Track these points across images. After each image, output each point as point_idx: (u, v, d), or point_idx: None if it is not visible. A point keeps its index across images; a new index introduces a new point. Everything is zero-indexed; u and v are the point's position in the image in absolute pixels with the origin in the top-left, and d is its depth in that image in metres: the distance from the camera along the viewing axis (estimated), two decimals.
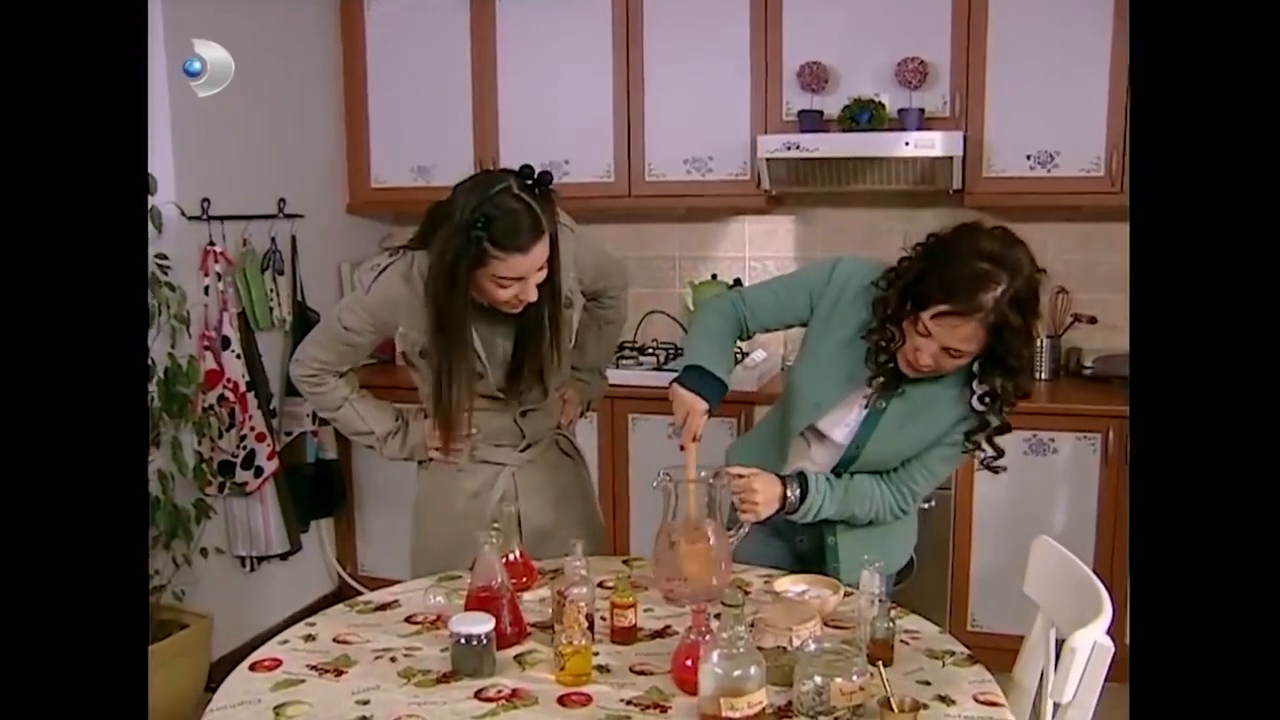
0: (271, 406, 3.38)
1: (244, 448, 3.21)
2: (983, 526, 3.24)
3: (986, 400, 1.87)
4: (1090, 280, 3.57)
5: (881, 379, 1.90)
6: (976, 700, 1.55)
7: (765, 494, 1.93)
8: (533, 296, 1.96)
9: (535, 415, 2.20)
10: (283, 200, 3.52)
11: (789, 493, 1.94)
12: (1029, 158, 3.29)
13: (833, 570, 2.03)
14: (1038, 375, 3.48)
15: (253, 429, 3.23)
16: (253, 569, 3.41)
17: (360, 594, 3.70)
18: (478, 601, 1.74)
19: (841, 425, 1.99)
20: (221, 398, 3.16)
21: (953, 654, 1.71)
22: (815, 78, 3.35)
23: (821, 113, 3.35)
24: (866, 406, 1.96)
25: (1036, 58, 3.23)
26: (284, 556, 3.45)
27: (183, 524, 2.93)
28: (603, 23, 3.56)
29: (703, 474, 1.93)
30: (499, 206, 1.89)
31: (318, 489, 3.62)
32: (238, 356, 3.20)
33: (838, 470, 2.01)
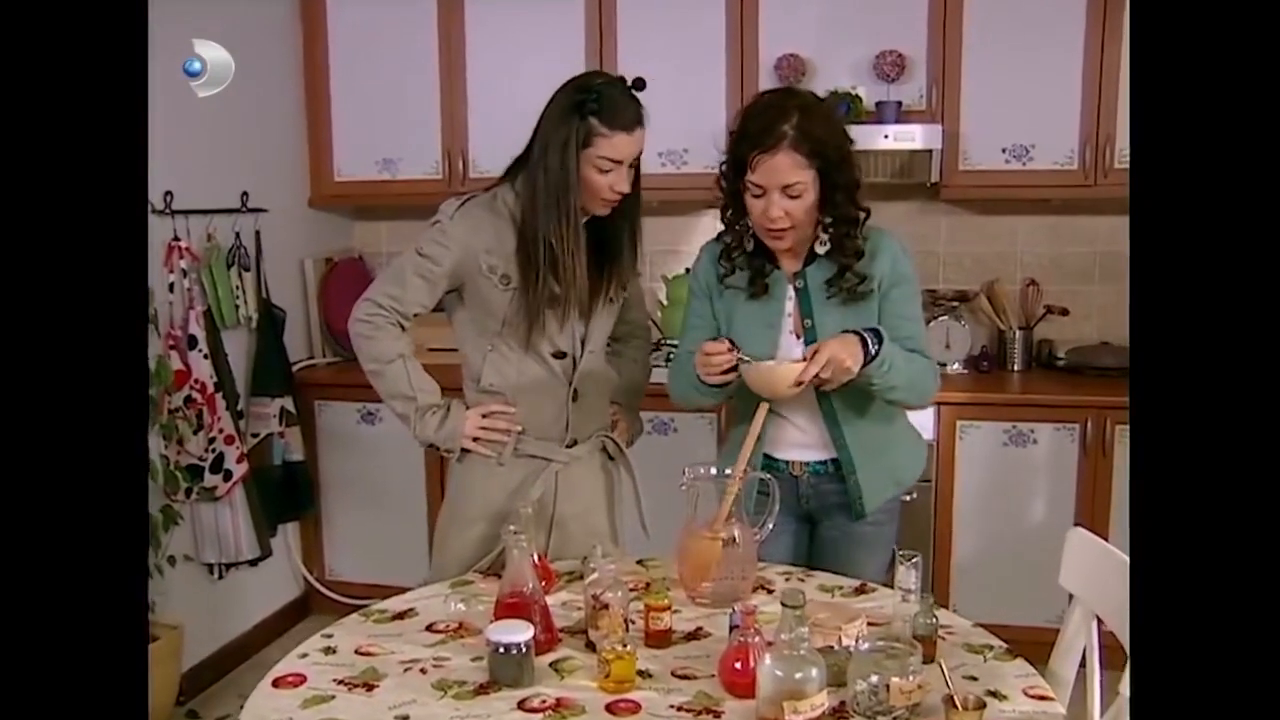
0: (239, 408, 3.26)
1: (213, 450, 3.08)
2: (963, 517, 3.27)
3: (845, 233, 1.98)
4: (1060, 273, 3.62)
5: (756, 270, 2.02)
6: (1026, 694, 1.54)
7: (847, 350, 1.86)
8: (626, 188, 2.04)
9: (585, 408, 2.13)
10: (245, 194, 3.39)
11: (869, 344, 1.89)
12: (1004, 151, 3.32)
13: (857, 505, 2.07)
14: (1012, 367, 3.53)
15: (221, 431, 3.10)
16: (221, 576, 3.28)
17: (329, 599, 3.64)
18: (508, 608, 1.68)
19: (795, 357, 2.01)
20: (189, 399, 3.03)
21: (991, 648, 1.70)
22: (792, 70, 3.34)
23: None
24: (800, 336, 2.02)
25: (1012, 51, 3.26)
26: (253, 562, 3.32)
27: (151, 532, 2.81)
28: (575, 12, 3.49)
29: (726, 470, 1.90)
30: (606, 90, 1.99)
31: (285, 492, 3.49)
32: (205, 356, 3.07)
33: (821, 402, 2.03)
